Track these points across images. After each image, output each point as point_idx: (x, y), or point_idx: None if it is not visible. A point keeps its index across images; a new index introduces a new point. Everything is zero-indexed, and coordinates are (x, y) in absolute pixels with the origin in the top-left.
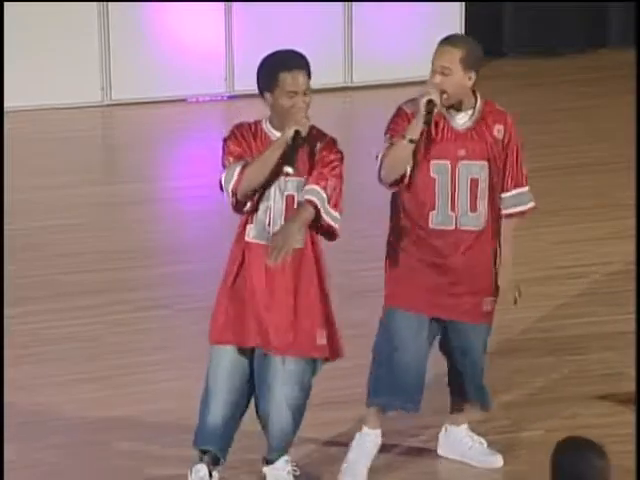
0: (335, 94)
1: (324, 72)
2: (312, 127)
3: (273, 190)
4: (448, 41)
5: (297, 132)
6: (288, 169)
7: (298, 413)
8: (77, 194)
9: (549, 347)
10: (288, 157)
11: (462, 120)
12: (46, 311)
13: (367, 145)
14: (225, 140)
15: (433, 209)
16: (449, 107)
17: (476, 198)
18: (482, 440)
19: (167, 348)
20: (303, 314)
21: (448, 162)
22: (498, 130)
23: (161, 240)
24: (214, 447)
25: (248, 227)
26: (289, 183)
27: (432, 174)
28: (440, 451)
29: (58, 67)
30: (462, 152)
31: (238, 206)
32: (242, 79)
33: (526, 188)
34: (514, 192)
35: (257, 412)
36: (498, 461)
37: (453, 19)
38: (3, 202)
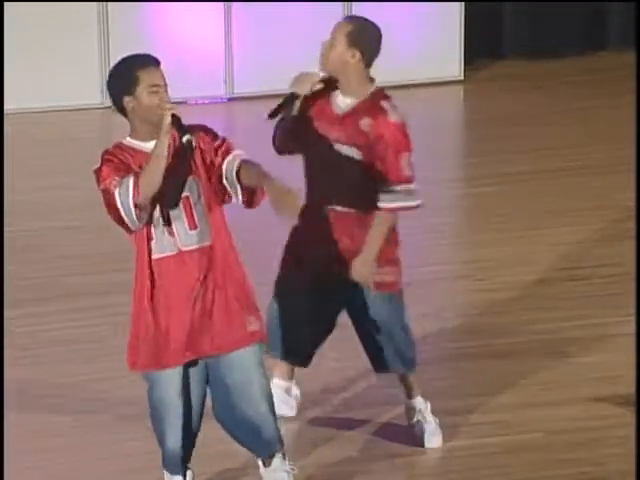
0: None
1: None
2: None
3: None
4: (346, 17)
5: (173, 116)
6: (187, 136)
7: (272, 400)
8: (77, 196)
9: (549, 349)
10: (179, 129)
11: (343, 104)
12: (47, 313)
13: None
14: (97, 170)
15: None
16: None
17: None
18: (430, 418)
19: None
20: (232, 307)
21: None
22: (364, 124)
23: None
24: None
25: (151, 244)
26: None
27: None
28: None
29: (57, 69)
30: (335, 135)
31: (141, 216)
32: (242, 82)
33: (398, 187)
34: (386, 188)
35: (222, 420)
36: (433, 442)
37: (452, 19)
38: (3, 203)
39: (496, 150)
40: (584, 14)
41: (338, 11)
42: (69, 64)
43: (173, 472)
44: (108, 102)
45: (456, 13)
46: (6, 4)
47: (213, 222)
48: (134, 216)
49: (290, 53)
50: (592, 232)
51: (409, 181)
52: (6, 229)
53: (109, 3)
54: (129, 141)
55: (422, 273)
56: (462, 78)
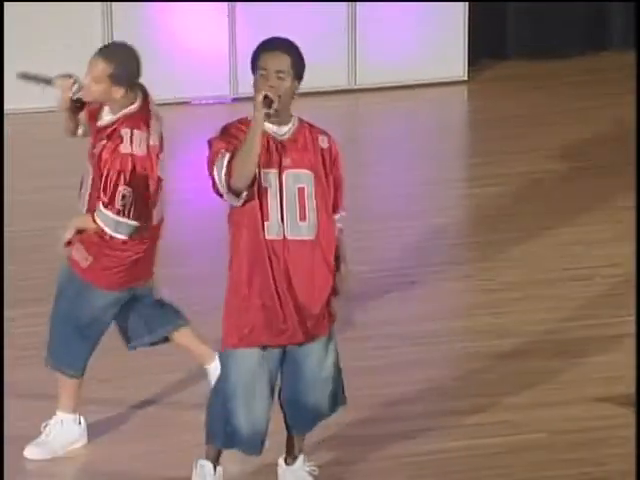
0: (339, 96)
1: (328, 74)
2: (300, 119)
3: (279, 184)
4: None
5: (266, 96)
6: (269, 111)
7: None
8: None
9: (553, 349)
10: (267, 106)
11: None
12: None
13: (371, 148)
14: (210, 139)
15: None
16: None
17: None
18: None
19: (170, 350)
20: (321, 296)
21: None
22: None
23: (162, 242)
24: (258, 450)
25: (266, 224)
26: (293, 176)
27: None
28: None
29: (60, 69)
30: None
31: (232, 195)
32: (246, 81)
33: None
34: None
35: (290, 404)
36: None
37: (456, 19)
38: (3, 203)
39: (500, 150)
40: (586, 14)
41: (342, 11)
42: (73, 65)
43: (250, 450)
44: None
45: (460, 13)
46: (8, 3)
47: (321, 220)
48: (229, 194)
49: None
50: (595, 232)
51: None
52: (6, 229)
53: (113, 3)
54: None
55: (427, 273)
56: (466, 78)
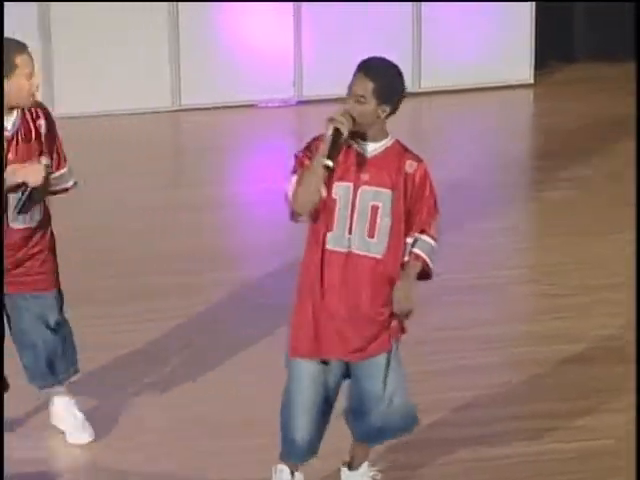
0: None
1: None
2: (398, 142)
3: (352, 198)
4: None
5: (337, 130)
6: (327, 162)
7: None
8: (145, 198)
9: (617, 355)
10: (329, 153)
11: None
12: (105, 315)
13: (435, 152)
14: (295, 155)
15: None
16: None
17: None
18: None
19: (221, 354)
20: (380, 314)
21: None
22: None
23: (226, 245)
24: (310, 458)
25: (329, 235)
26: (370, 192)
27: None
28: None
29: (129, 72)
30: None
31: (293, 217)
32: (311, 84)
33: (431, 241)
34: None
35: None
36: None
37: (523, 20)
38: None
39: (565, 154)
40: None
41: (408, 11)
42: (140, 68)
43: (294, 460)
44: (178, 106)
45: (527, 14)
46: (76, 3)
47: (392, 239)
48: (289, 210)
49: (359, 55)
50: None
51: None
52: (74, 231)
53: (179, 3)
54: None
55: (491, 277)
56: (532, 82)
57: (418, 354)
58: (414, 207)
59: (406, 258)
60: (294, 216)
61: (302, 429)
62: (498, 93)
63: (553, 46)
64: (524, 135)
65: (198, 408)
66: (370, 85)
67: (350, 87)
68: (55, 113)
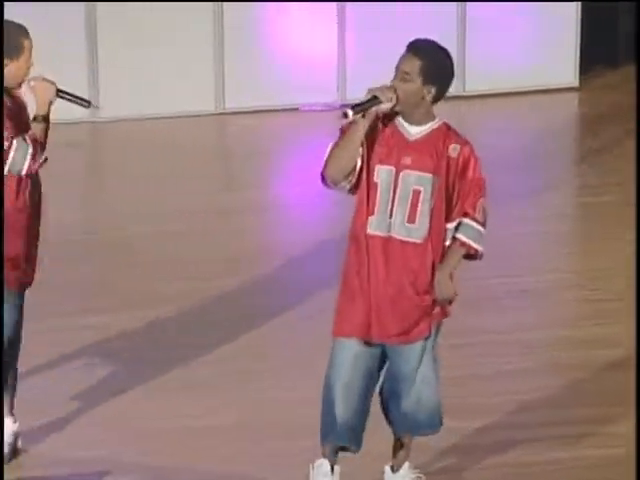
0: (446, 103)
1: None
2: (445, 125)
3: (394, 182)
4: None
5: (375, 96)
6: (348, 110)
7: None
8: (191, 201)
9: None
10: (355, 105)
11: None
12: (159, 316)
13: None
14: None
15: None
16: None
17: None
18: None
19: (267, 355)
20: (422, 300)
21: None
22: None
23: (272, 247)
24: (350, 443)
25: (370, 219)
26: (412, 176)
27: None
28: None
29: (173, 75)
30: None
31: (326, 183)
32: (355, 88)
33: (476, 224)
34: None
35: (393, 408)
36: None
37: (568, 20)
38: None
39: (610, 158)
40: None
41: (452, 11)
42: (184, 72)
43: (334, 439)
44: (222, 109)
45: (572, 15)
46: (126, 4)
47: (433, 224)
48: (325, 182)
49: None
50: None
51: (484, 224)
52: (122, 234)
53: (224, 3)
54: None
55: (536, 282)
56: (577, 85)
57: (461, 358)
58: (457, 191)
59: (447, 242)
60: (325, 181)
61: (343, 408)
62: (542, 97)
63: (598, 48)
64: (568, 139)
65: (259, 409)
66: (417, 63)
67: (397, 66)
68: (100, 116)
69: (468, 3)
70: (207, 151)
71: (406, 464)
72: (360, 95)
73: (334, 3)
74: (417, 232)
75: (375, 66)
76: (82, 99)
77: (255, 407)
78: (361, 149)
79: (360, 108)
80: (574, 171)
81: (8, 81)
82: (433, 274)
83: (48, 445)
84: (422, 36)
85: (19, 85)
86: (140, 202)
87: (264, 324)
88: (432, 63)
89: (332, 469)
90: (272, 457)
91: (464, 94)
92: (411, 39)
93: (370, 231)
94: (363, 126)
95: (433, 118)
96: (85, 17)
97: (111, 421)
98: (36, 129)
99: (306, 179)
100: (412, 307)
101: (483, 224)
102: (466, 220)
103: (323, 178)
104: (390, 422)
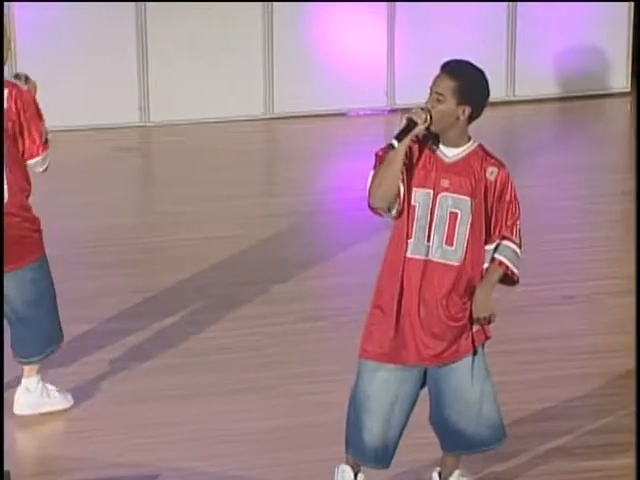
0: (496, 108)
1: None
2: (481, 147)
3: (431, 205)
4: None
5: (411, 120)
6: (393, 141)
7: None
8: (238, 206)
9: None
10: (398, 134)
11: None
12: (207, 321)
13: (527, 161)
14: (376, 154)
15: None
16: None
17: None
18: None
19: (319, 360)
20: (458, 321)
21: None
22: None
23: (320, 252)
24: (377, 464)
25: (409, 242)
26: (449, 199)
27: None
28: None
29: (222, 80)
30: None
31: (374, 211)
32: (403, 93)
33: (514, 246)
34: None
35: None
36: None
37: (620, 21)
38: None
39: None
40: None
41: (502, 10)
42: (233, 76)
43: (362, 461)
44: (270, 114)
45: (624, 15)
46: (173, 3)
47: (471, 246)
48: (374, 211)
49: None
50: None
51: (520, 246)
52: (170, 238)
53: (274, 3)
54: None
55: (584, 288)
56: (629, 90)
57: (505, 364)
58: (495, 214)
59: (486, 265)
60: (373, 210)
61: (373, 434)
62: (593, 102)
63: None
64: (619, 144)
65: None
66: (451, 83)
67: (431, 87)
68: (150, 120)
69: (519, 3)
70: (255, 156)
71: (456, 472)
72: (409, 100)
73: (384, 3)
74: (454, 254)
75: (424, 70)
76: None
77: (296, 410)
78: (401, 174)
79: (402, 136)
80: (621, 176)
81: None
82: (470, 296)
83: (92, 449)
84: (472, 37)
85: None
86: (188, 207)
87: (309, 329)
88: (466, 83)
89: (355, 476)
90: (312, 462)
91: (513, 99)
92: (462, 39)
93: (409, 254)
94: (402, 151)
95: (468, 140)
96: (136, 21)
97: (154, 425)
98: None
99: (353, 184)
100: (448, 328)
101: (520, 246)
102: (505, 242)
103: (371, 208)
104: (443, 446)
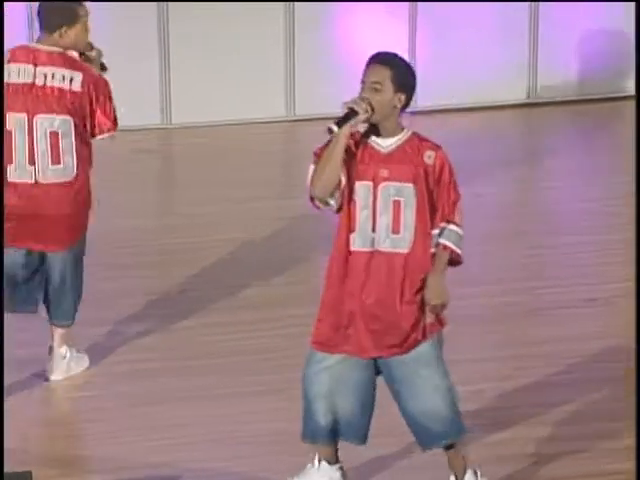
0: (515, 111)
1: (506, 87)
2: (415, 134)
3: (373, 196)
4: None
5: (352, 110)
6: (332, 126)
7: (450, 395)
8: (258, 208)
9: None
10: (337, 121)
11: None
12: (223, 322)
13: (546, 164)
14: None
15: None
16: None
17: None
18: None
19: None
20: (409, 310)
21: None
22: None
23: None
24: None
25: (352, 236)
26: (391, 188)
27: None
28: None
29: (244, 81)
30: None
31: (314, 204)
32: (425, 94)
33: (457, 229)
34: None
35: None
36: None
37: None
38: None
39: None
40: None
41: (524, 11)
42: (256, 78)
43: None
44: (292, 116)
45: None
46: (202, 4)
47: (418, 232)
48: (314, 202)
49: (472, 66)
50: None
51: (462, 226)
52: (190, 240)
53: (295, 3)
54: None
55: (601, 291)
56: None
57: (525, 367)
58: (437, 197)
59: (433, 250)
60: (313, 201)
61: (327, 421)
62: (612, 104)
63: None
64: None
65: None
66: (386, 72)
67: (363, 78)
68: (171, 122)
69: (541, 3)
70: (276, 157)
71: (469, 471)
72: (430, 101)
73: (406, 4)
74: (402, 242)
75: (446, 71)
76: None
77: None
78: (342, 166)
79: (343, 122)
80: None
81: (68, 45)
82: (421, 282)
83: (109, 451)
84: (494, 37)
85: (89, 47)
86: (208, 209)
87: None
88: (400, 71)
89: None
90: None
91: (536, 101)
92: (483, 39)
93: (353, 248)
94: (342, 140)
95: (403, 129)
96: (157, 22)
97: (169, 427)
98: None
99: None
100: (402, 317)
101: (461, 226)
102: (450, 227)
103: (312, 199)
104: (415, 440)
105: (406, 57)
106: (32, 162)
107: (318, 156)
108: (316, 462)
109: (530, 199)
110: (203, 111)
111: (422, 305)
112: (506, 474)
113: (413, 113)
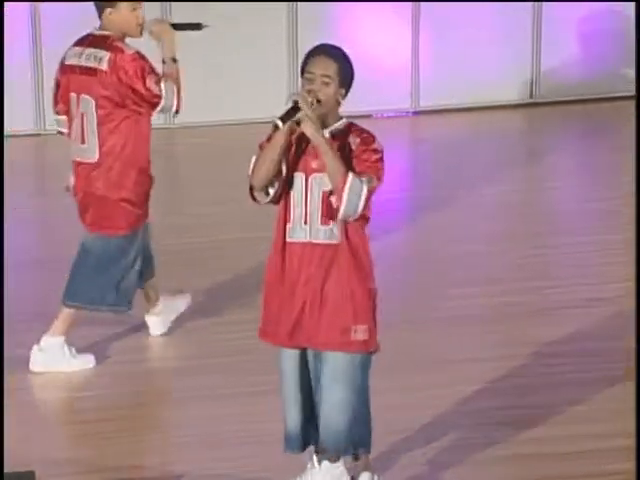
0: (517, 111)
1: (508, 87)
2: (349, 122)
3: (305, 188)
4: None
5: (297, 103)
6: (277, 121)
7: (351, 414)
8: (263, 207)
9: None
10: (282, 116)
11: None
12: (228, 322)
13: (547, 164)
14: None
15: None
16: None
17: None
18: None
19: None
20: (338, 309)
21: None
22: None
23: None
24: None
25: (288, 227)
26: (321, 179)
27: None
28: None
29: (247, 81)
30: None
31: (254, 195)
32: (428, 95)
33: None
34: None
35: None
36: None
37: None
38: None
39: None
40: None
41: (527, 11)
42: (257, 77)
43: (291, 448)
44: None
45: None
46: (211, 4)
47: (347, 225)
48: (252, 193)
49: (477, 66)
50: None
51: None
52: (202, 240)
53: (299, 3)
54: None
55: (602, 291)
56: None
57: (529, 366)
58: (359, 170)
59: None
60: (252, 191)
61: (292, 418)
62: (615, 104)
63: None
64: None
65: None
66: (334, 65)
67: (309, 69)
68: (174, 122)
69: (544, 3)
70: None
71: (365, 474)
72: (433, 101)
73: (409, 4)
74: (331, 235)
75: (448, 71)
76: (194, 24)
77: None
78: (282, 157)
79: (288, 117)
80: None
81: (122, 32)
82: (356, 275)
83: (116, 449)
84: (497, 37)
85: (139, 33)
86: (212, 209)
87: None
88: (345, 65)
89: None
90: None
91: (537, 101)
92: (486, 40)
93: (289, 239)
94: (282, 133)
95: (340, 119)
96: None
97: (175, 426)
98: (172, 69)
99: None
100: (334, 312)
101: (362, 182)
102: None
103: (251, 189)
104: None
105: (409, 57)
106: (83, 142)
107: (261, 149)
108: (316, 462)
109: (530, 199)
110: (206, 111)
111: (355, 316)
112: (506, 474)
113: (416, 113)
